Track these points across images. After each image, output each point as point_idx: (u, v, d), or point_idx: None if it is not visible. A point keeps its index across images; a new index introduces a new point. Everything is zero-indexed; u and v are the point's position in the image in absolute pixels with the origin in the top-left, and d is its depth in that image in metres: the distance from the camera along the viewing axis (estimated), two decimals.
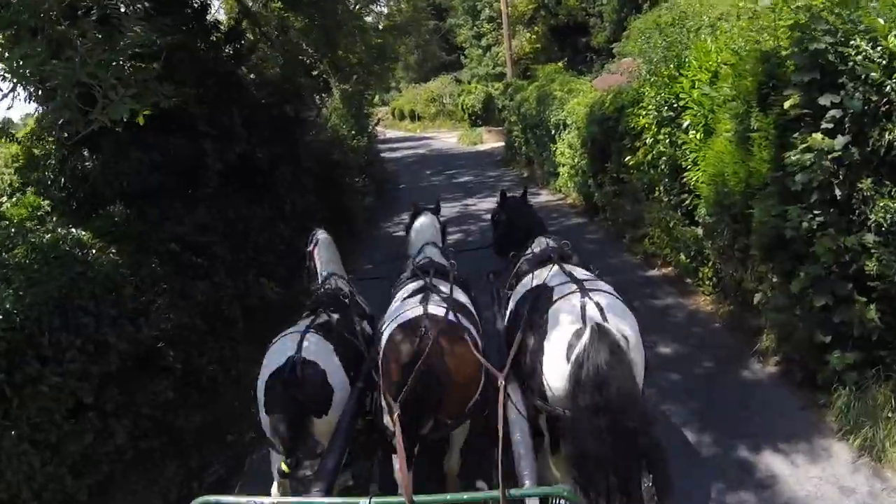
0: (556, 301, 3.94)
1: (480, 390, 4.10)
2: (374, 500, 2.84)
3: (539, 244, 5.16)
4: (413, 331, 3.87)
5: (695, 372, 6.93)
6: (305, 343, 4.13)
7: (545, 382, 3.79)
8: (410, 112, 55.91)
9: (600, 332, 3.50)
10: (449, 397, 3.83)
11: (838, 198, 5.71)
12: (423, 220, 6.10)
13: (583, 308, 3.72)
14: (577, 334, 3.59)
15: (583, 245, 11.81)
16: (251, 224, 7.27)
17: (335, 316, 4.74)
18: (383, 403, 3.98)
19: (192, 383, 6.13)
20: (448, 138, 39.80)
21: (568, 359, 3.58)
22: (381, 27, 25.89)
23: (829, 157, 5.54)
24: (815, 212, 5.82)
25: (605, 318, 3.62)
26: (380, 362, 4.06)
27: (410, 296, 4.45)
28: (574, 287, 3.95)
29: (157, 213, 6.48)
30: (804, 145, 5.75)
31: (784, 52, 6.48)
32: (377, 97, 75.96)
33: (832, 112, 5.57)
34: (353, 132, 15.71)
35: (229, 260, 6.83)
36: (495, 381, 3.76)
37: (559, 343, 3.70)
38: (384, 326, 4.24)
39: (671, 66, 9.60)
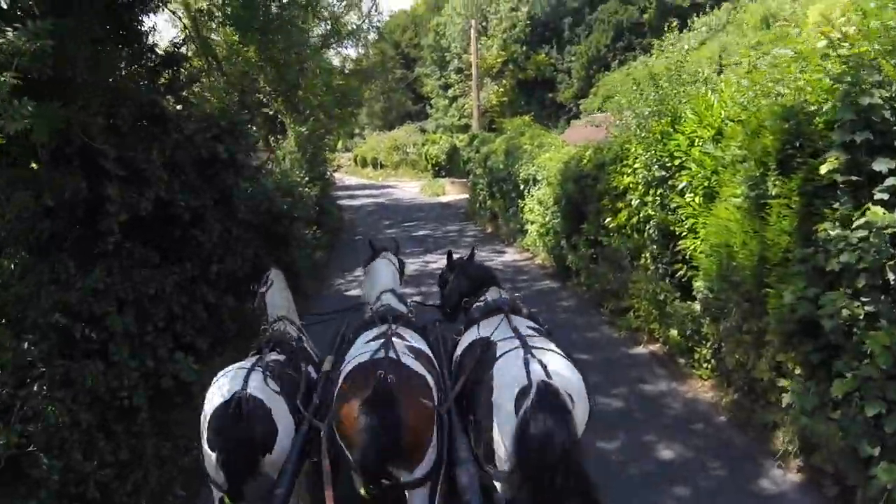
0: (499, 357, 3.99)
1: (435, 445, 3.95)
2: None
3: (492, 294, 5.17)
4: (369, 375, 3.75)
5: (703, 483, 5.71)
6: (251, 380, 4.04)
7: (493, 437, 3.74)
8: (373, 160, 55.17)
9: (547, 390, 3.53)
10: (403, 443, 3.68)
11: (892, 283, 4.63)
12: (378, 262, 6.03)
13: (526, 365, 3.72)
14: (524, 392, 3.57)
15: (556, 314, 10.72)
16: (164, 287, 5.90)
17: (280, 357, 4.66)
18: (326, 448, 3.93)
19: (74, 497, 4.71)
20: (410, 188, 38.78)
21: (516, 414, 3.54)
22: (346, 70, 25.04)
23: (888, 233, 4.48)
24: (863, 299, 4.74)
25: (549, 376, 3.63)
26: (334, 402, 4.00)
27: (370, 340, 4.36)
28: (517, 343, 4.03)
29: (46, 272, 5.11)
30: (861, 219, 4.68)
31: (812, 108, 5.50)
32: (340, 143, 76.02)
33: (890, 181, 4.52)
34: (305, 179, 14.49)
35: (134, 333, 5.46)
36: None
37: (506, 399, 3.66)
38: (343, 366, 4.22)
39: (664, 121, 8.61)
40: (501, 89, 48.56)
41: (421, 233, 21.42)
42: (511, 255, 16.73)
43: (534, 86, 51.35)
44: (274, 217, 9.33)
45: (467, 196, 30.81)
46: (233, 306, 7.38)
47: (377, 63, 27.61)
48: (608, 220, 10.52)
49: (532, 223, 15.86)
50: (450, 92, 51.74)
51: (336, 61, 25.11)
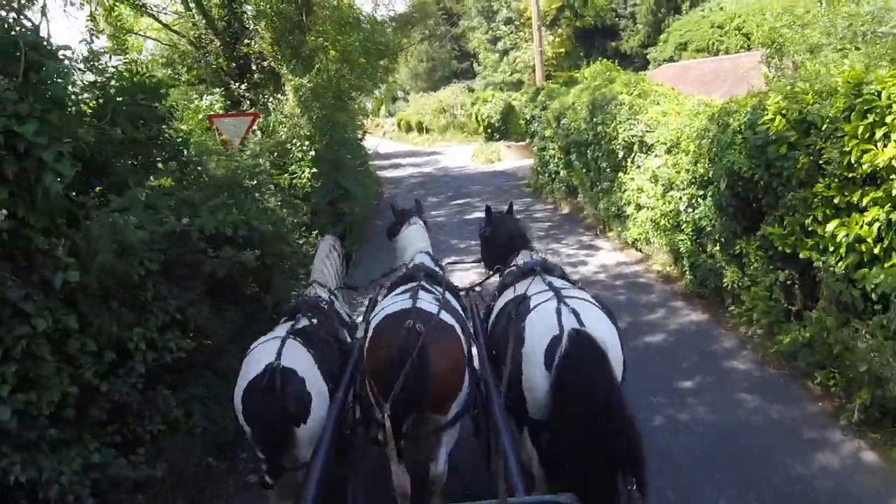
0: (532, 308, 3.95)
1: (467, 391, 4.03)
2: None
3: (523, 257, 5.13)
4: (399, 322, 3.85)
5: None
6: (284, 350, 4.01)
7: (525, 391, 3.72)
8: (418, 124, 50.34)
9: (579, 338, 3.49)
10: (434, 390, 3.73)
11: None
12: (411, 229, 5.94)
13: (558, 314, 3.68)
14: (556, 339, 3.55)
15: (726, 389, 6.02)
16: None
17: (314, 321, 4.61)
18: (368, 403, 4.03)
19: None
20: (459, 154, 33.80)
21: (548, 367, 3.55)
22: (377, 16, 20.31)
23: None
24: None
25: (581, 324, 3.59)
26: (364, 352, 4.07)
27: (400, 294, 4.43)
28: (551, 294, 3.97)
29: None
30: None
31: None
32: (383, 108, 71.51)
33: None
34: (310, 154, 9.97)
35: None
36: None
37: (537, 351, 3.66)
38: (372, 317, 4.31)
39: None
40: (557, 39, 43.13)
41: (476, 214, 16.58)
42: (609, 254, 11.87)
43: (593, 34, 45.88)
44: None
45: (528, 163, 25.91)
46: None
47: (417, 4, 22.68)
48: (833, 225, 5.69)
49: (642, 208, 11.01)
50: (499, 45, 46.65)
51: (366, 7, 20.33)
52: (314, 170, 10.06)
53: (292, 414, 3.85)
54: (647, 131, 10.96)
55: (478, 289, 5.70)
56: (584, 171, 14.37)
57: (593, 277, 10.40)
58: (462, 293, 5.36)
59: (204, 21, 13.16)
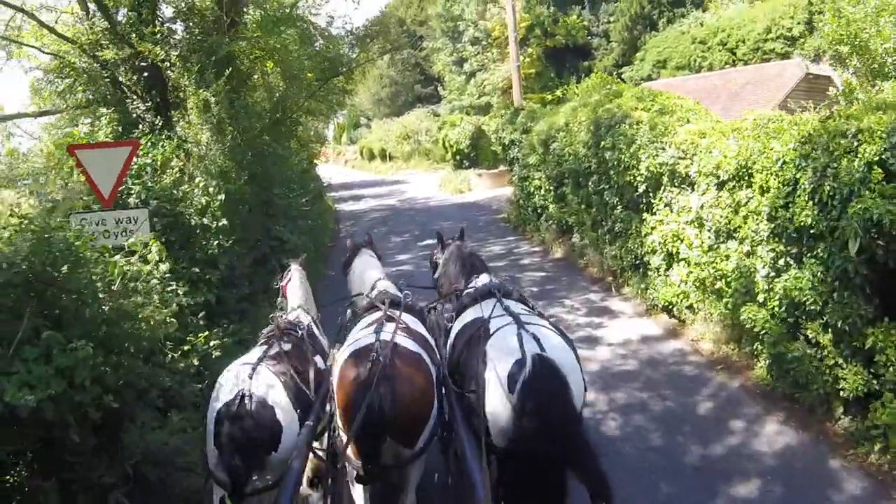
0: (493, 333, 3.96)
1: (434, 422, 4.04)
2: None
3: (481, 279, 5.14)
4: (365, 356, 3.86)
5: None
6: (255, 376, 3.96)
7: (489, 413, 3.69)
8: (381, 151, 47.64)
9: (541, 362, 3.52)
10: (401, 422, 3.73)
11: None
12: (364, 259, 6.01)
13: (520, 339, 3.69)
14: (519, 364, 3.56)
15: None
16: None
17: (287, 347, 4.52)
18: (339, 434, 4.03)
19: None
20: (425, 184, 30.91)
21: (511, 389, 3.54)
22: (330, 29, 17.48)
23: None
24: None
25: (542, 349, 3.62)
26: (333, 389, 4.08)
27: (366, 326, 4.40)
28: (510, 320, 3.99)
29: None
30: None
31: None
32: (344, 135, 68.61)
33: None
34: (219, 198, 7.00)
35: None
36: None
37: (500, 373, 3.63)
38: (338, 354, 4.32)
39: None
40: (528, 60, 40.71)
41: None
42: (631, 321, 8.92)
43: (564, 54, 43.68)
44: None
45: (502, 193, 23.13)
46: None
47: (376, 19, 19.87)
48: None
49: (678, 261, 8.20)
50: (466, 67, 44.02)
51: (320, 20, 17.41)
52: (223, 222, 7.06)
53: (263, 441, 3.76)
54: (680, 158, 8.18)
55: (438, 308, 5.59)
56: (582, 207, 11.54)
57: (618, 364, 7.51)
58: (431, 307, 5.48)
59: (105, 22, 10.10)
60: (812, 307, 5.65)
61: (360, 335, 4.23)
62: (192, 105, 8.05)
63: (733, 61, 31.46)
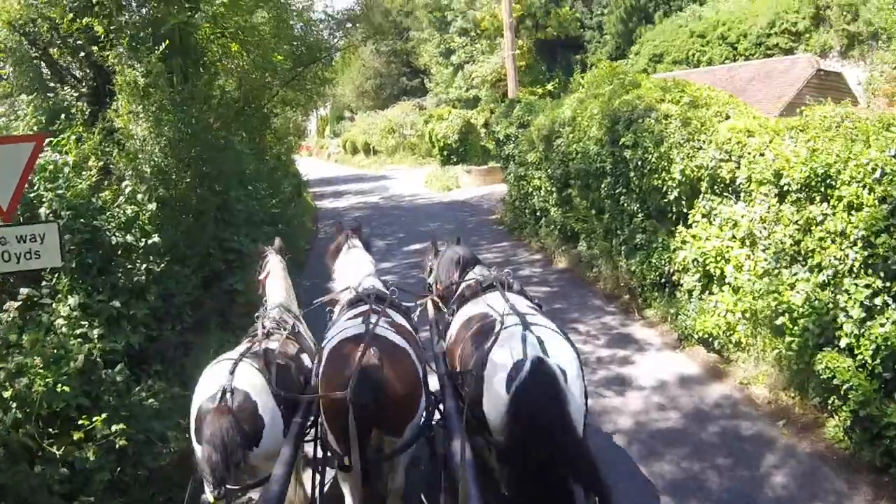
0: (498, 332, 3.89)
1: (422, 412, 4.10)
2: None
3: (479, 272, 5.11)
4: (353, 347, 3.84)
5: None
6: (238, 371, 3.93)
7: (486, 412, 3.72)
8: (364, 145, 46.01)
9: (541, 365, 3.48)
10: (388, 412, 3.70)
11: None
12: (352, 252, 5.77)
13: (523, 340, 3.65)
14: (517, 367, 3.52)
15: None
16: None
17: (273, 345, 4.44)
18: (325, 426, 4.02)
19: None
20: (410, 180, 29.32)
21: (508, 390, 3.51)
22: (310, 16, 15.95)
23: None
24: None
25: (545, 352, 3.57)
26: (319, 379, 4.02)
27: (352, 318, 4.38)
28: (516, 319, 3.93)
29: None
30: None
31: None
32: (328, 128, 66.89)
33: None
34: (149, 208, 5.45)
35: None
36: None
37: (501, 374, 3.62)
38: (324, 344, 4.27)
39: None
40: (517, 52, 39.20)
41: None
42: (661, 355, 7.42)
43: (555, 47, 42.06)
44: None
45: (492, 191, 21.67)
46: None
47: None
48: None
49: (722, 285, 6.77)
50: (453, 59, 42.45)
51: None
52: (154, 239, 5.50)
53: (246, 436, 3.71)
54: (723, 160, 6.74)
55: (433, 302, 5.63)
56: (592, 212, 10.07)
57: (656, 419, 6.01)
58: (419, 305, 5.55)
59: None
60: None
61: (346, 325, 4.22)
62: (119, 88, 6.45)
63: (734, 56, 30.12)
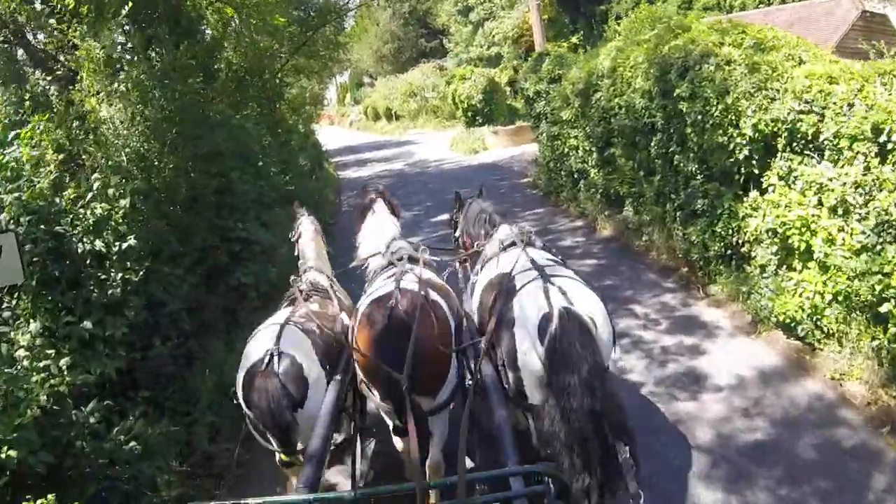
0: (520, 289, 3.89)
1: (456, 371, 4.06)
2: (359, 492, 2.86)
3: (503, 231, 4.99)
4: (384, 303, 3.86)
5: None
6: (283, 335, 4.00)
7: (521, 367, 3.66)
8: (386, 111, 44.74)
9: (569, 315, 3.45)
10: (422, 366, 3.63)
11: None
12: (380, 217, 5.65)
13: (546, 293, 3.63)
14: (547, 318, 3.50)
15: None
16: None
17: (313, 307, 4.52)
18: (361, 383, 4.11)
19: None
20: (436, 143, 28.15)
21: (542, 342, 3.49)
22: None
23: None
24: None
25: (570, 302, 3.56)
26: (353, 336, 4.05)
27: (387, 278, 4.37)
28: (536, 274, 3.91)
29: None
30: None
31: None
32: (348, 95, 65.71)
33: None
34: (119, 212, 4.53)
35: None
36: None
37: (529, 327, 3.60)
38: (359, 304, 4.26)
39: None
40: (540, 2, 37.50)
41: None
42: (733, 342, 6.40)
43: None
44: None
45: (521, 152, 20.52)
46: None
47: None
48: None
49: (808, 260, 5.72)
50: (472, 16, 41.04)
51: None
52: (129, 242, 4.57)
53: (291, 397, 3.77)
54: (802, 112, 5.66)
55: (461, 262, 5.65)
56: (641, 174, 9.00)
57: (740, 429, 5.00)
58: (452, 264, 5.64)
59: None
60: None
61: (380, 284, 4.24)
62: (77, 64, 5.49)
63: (768, 1, 28.45)
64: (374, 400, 3.95)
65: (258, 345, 4.01)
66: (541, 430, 3.47)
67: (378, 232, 5.45)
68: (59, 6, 6.23)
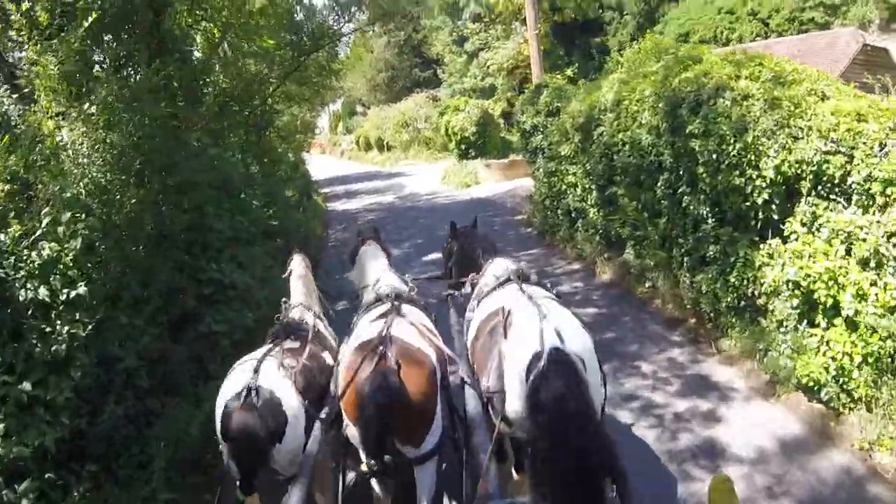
0: (515, 325, 3.89)
1: (440, 419, 3.93)
2: None
3: (498, 266, 4.93)
4: (369, 351, 3.80)
5: None
6: (262, 370, 3.96)
7: (506, 404, 3.67)
8: (378, 141, 44.37)
9: (557, 356, 3.41)
10: (404, 417, 3.62)
11: None
12: (370, 250, 5.66)
13: (541, 332, 3.58)
14: (536, 357, 3.46)
15: None
16: None
17: (295, 345, 4.50)
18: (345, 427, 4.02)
19: None
20: (427, 176, 27.69)
21: (527, 381, 3.46)
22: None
23: None
24: None
25: (562, 341, 3.51)
26: (339, 383, 4.02)
27: (373, 321, 4.32)
28: (533, 310, 3.86)
29: None
30: None
31: None
32: (340, 124, 65.51)
33: None
34: (71, 255, 3.96)
35: None
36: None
37: (519, 366, 3.56)
38: (344, 348, 4.34)
39: None
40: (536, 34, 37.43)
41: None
42: (751, 406, 5.82)
43: (573, 31, 40.31)
44: None
45: (514, 186, 20.13)
46: None
47: None
48: None
49: (837, 319, 5.20)
50: (467, 46, 40.88)
51: None
52: (78, 291, 3.99)
53: (269, 431, 3.72)
54: (829, 153, 5.20)
55: (455, 293, 5.63)
56: (645, 215, 8.50)
57: None
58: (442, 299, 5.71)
59: None
60: None
61: (365, 329, 4.18)
62: (28, 80, 4.96)
63: (766, 33, 28.42)
64: (354, 439, 3.85)
65: (237, 378, 3.94)
66: (528, 467, 3.39)
67: (368, 265, 5.49)
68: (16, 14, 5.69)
